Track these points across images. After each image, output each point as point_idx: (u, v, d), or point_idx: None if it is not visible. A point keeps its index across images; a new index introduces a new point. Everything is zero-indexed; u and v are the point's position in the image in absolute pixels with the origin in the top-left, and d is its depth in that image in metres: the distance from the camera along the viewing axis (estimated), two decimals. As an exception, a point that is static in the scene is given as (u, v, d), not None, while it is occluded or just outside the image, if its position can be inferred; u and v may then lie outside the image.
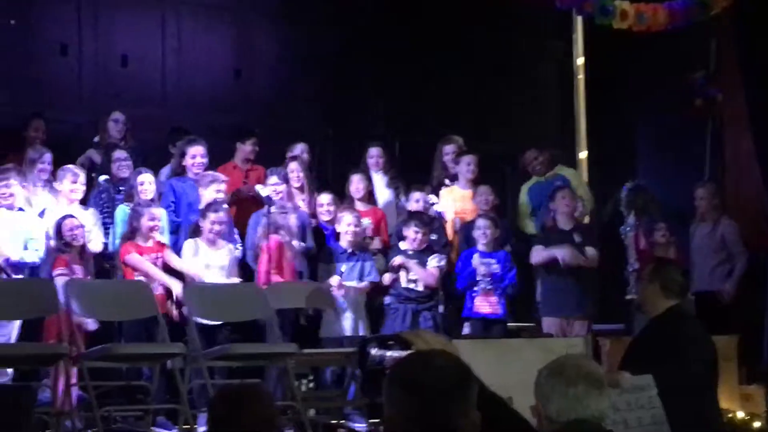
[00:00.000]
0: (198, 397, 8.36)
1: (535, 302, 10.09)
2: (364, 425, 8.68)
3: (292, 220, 9.55)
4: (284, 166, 10.13)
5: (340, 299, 9.34)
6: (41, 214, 9.18)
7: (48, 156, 9.57)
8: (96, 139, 10.43)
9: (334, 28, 12.41)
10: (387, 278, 9.61)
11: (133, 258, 8.91)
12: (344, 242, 9.60)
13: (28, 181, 9.36)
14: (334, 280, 9.36)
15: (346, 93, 12.29)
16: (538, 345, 8.32)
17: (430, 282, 9.62)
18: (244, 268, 9.54)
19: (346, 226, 9.60)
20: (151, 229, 9.01)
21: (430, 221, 10.01)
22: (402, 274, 9.62)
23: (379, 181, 10.56)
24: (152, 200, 9.35)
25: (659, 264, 6.55)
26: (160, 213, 9.21)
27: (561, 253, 9.73)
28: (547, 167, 10.85)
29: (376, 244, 9.97)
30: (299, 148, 10.62)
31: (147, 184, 9.40)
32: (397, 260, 9.63)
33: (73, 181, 9.28)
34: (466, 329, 9.68)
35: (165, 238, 9.25)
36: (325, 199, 9.97)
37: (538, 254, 9.86)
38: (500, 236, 9.92)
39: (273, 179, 9.81)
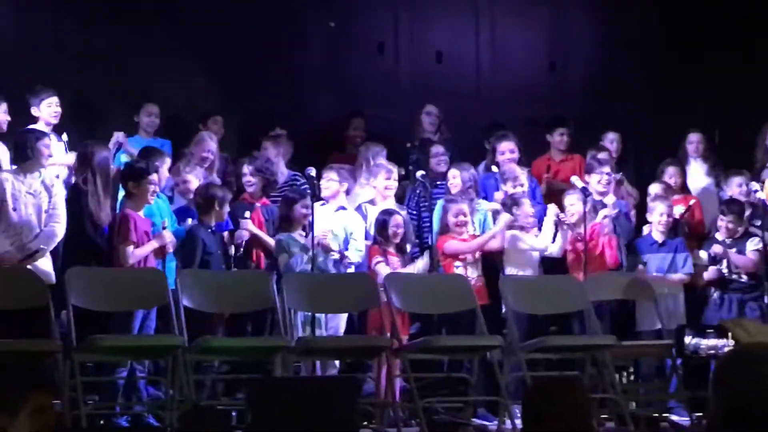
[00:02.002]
0: (516, 389, 8.39)
1: None
2: (687, 419, 8.48)
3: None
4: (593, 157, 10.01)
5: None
6: (358, 209, 9.41)
7: (383, 153, 9.80)
8: (408, 145, 10.60)
9: (649, 15, 12.16)
10: (710, 273, 9.31)
11: (451, 246, 9.03)
12: (656, 232, 9.41)
13: (357, 177, 9.63)
14: (640, 270, 9.19)
15: (663, 82, 12.00)
16: None
17: (749, 267, 9.27)
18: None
19: (658, 216, 9.41)
20: (457, 224, 9.09)
21: (752, 207, 9.64)
22: (724, 263, 9.33)
23: (698, 168, 10.28)
24: (462, 194, 9.40)
25: None
26: (464, 207, 9.22)
27: None
28: None
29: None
30: (610, 138, 10.49)
31: (451, 179, 9.51)
32: (715, 249, 9.34)
33: (387, 177, 9.47)
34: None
35: (473, 229, 9.29)
36: (654, 189, 9.80)
37: None
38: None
39: (605, 169, 9.69)
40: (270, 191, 9.34)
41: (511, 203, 9.26)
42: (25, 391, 3.79)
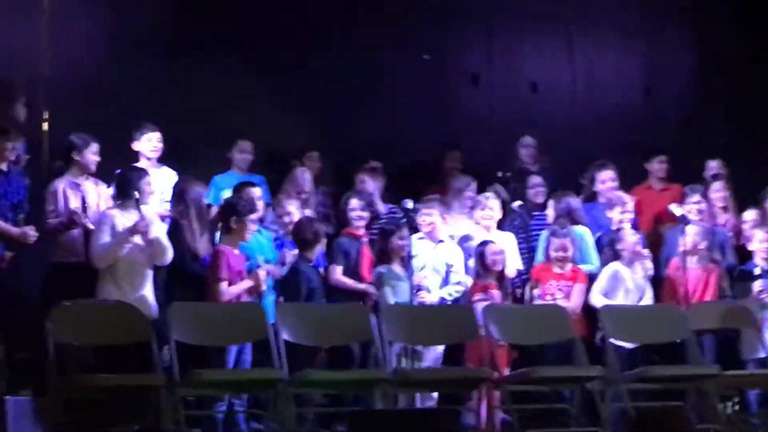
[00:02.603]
0: (618, 419, 8.30)
1: None
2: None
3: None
4: (704, 184, 9.92)
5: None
6: (461, 241, 9.43)
7: (473, 185, 9.84)
8: (499, 174, 10.59)
9: (739, 37, 12.05)
10: None
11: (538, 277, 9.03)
12: (758, 259, 9.27)
13: (453, 210, 9.66)
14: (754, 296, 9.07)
15: (759, 104, 11.86)
16: None
17: None
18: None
19: (758, 243, 9.29)
20: (557, 259, 9.06)
21: None
22: None
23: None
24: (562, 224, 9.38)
25: None
26: (566, 242, 9.19)
27: None
28: None
29: None
30: (714, 166, 10.38)
31: (549, 208, 9.51)
32: None
33: (482, 209, 9.48)
34: None
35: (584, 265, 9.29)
36: (749, 215, 9.69)
37: None
38: None
39: (695, 197, 9.63)
40: (371, 225, 9.39)
41: (615, 237, 9.22)
42: (109, 428, 3.85)
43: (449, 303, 8.98)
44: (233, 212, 8.34)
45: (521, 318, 8.66)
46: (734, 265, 9.47)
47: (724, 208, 9.95)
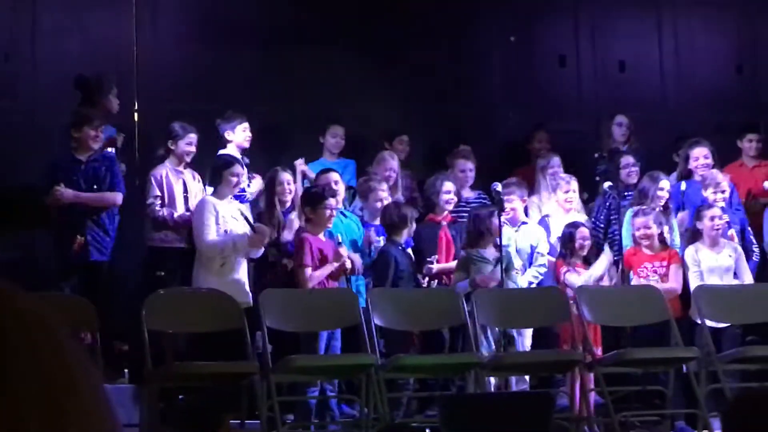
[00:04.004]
0: (713, 400, 8.20)
1: None
2: None
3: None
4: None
5: None
6: (542, 221, 9.38)
7: (556, 161, 9.79)
8: (596, 155, 10.49)
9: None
10: None
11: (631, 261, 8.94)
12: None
13: (539, 190, 9.61)
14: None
15: None
16: None
17: None
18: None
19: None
20: (641, 237, 8.94)
21: None
22: None
23: None
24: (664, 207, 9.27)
25: None
26: (648, 219, 9.06)
27: None
28: None
29: None
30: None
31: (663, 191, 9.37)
32: None
33: (565, 191, 9.44)
34: None
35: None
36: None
37: None
38: None
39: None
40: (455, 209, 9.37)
41: (696, 215, 9.08)
42: (222, 413, 3.89)
43: (541, 286, 8.93)
44: (307, 202, 8.38)
45: (615, 299, 8.59)
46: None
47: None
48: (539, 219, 9.49)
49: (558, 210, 9.43)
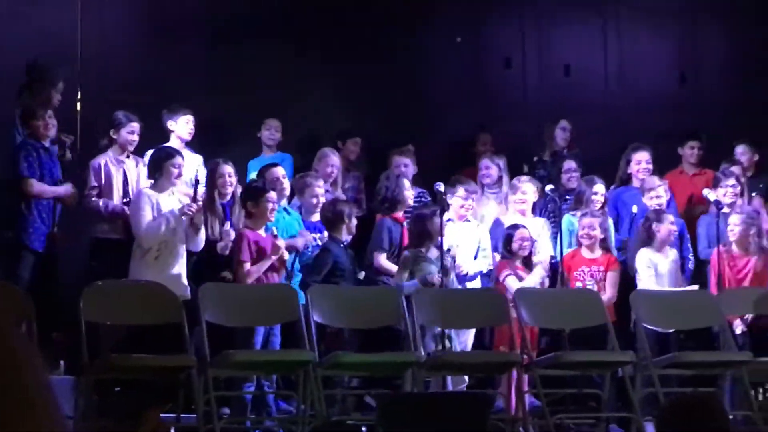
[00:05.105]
0: (648, 405, 8.27)
1: None
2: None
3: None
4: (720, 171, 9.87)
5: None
6: (494, 226, 9.42)
7: (500, 162, 9.82)
8: (535, 158, 10.56)
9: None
10: None
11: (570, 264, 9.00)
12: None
13: (480, 192, 9.67)
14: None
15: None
16: None
17: None
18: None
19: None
20: (584, 236, 9.03)
21: None
22: None
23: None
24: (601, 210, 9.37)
25: None
26: (594, 221, 9.15)
27: None
28: None
29: None
30: (740, 151, 10.32)
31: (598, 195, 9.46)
32: None
33: (520, 192, 9.48)
34: None
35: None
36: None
37: None
38: None
39: (730, 181, 9.57)
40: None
41: (654, 218, 9.14)
42: (145, 408, 3.87)
43: (481, 287, 8.97)
44: (249, 196, 8.37)
45: (554, 302, 8.63)
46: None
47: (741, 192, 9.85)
48: (494, 221, 9.50)
49: (511, 213, 9.44)
